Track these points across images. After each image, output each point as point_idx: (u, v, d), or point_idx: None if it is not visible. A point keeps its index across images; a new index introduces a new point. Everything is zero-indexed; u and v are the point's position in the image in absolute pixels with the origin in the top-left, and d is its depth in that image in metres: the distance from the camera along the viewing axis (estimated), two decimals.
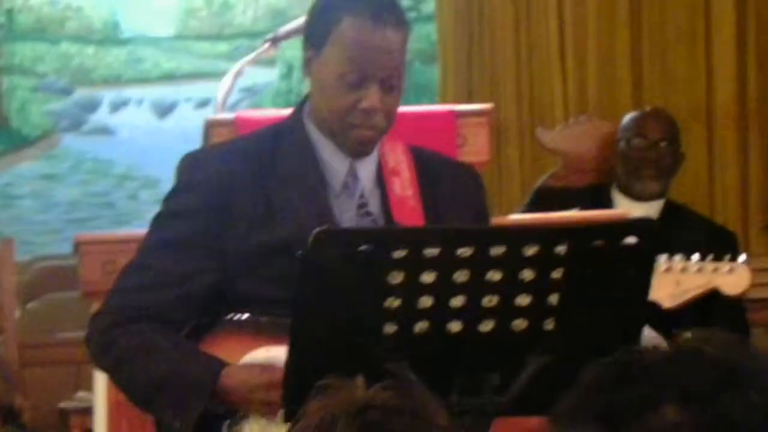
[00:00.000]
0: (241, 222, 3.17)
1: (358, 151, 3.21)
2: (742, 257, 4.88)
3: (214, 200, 3.19)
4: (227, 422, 3.15)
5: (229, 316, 3.23)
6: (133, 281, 3.27)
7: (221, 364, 3.13)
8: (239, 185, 3.19)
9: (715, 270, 4.76)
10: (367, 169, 3.25)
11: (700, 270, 4.74)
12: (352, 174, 3.23)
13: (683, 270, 4.70)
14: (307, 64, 3.24)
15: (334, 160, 3.22)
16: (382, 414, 2.14)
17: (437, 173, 3.32)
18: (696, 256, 4.74)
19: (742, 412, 1.49)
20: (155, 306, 3.19)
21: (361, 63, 3.15)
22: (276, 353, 3.10)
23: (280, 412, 3.00)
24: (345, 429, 2.11)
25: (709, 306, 4.87)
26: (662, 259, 4.60)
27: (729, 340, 1.63)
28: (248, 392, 3.09)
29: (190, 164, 3.31)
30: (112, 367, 3.40)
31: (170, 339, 3.20)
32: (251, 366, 3.13)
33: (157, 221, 3.31)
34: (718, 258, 5.13)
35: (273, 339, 3.13)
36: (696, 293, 4.71)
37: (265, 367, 3.09)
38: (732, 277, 4.78)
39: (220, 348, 3.19)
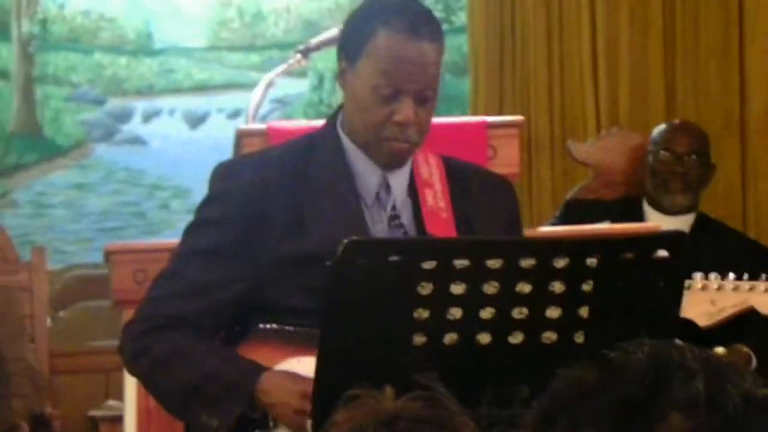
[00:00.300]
0: (273, 231, 3.18)
1: (390, 163, 3.22)
2: None
3: (247, 210, 3.21)
4: (257, 431, 3.17)
5: (260, 326, 3.25)
6: (165, 289, 3.29)
7: (260, 367, 3.14)
8: (272, 195, 3.20)
9: (752, 289, 4.73)
10: (399, 180, 3.26)
11: (736, 288, 4.71)
12: (385, 185, 3.24)
13: (719, 288, 4.66)
14: (342, 75, 3.25)
15: (366, 172, 3.24)
16: (410, 425, 2.14)
17: (470, 184, 3.33)
18: (732, 275, 4.72)
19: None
20: (188, 314, 3.21)
21: (395, 76, 3.15)
22: (306, 363, 3.11)
23: (309, 423, 3.02)
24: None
25: (742, 323, 4.85)
26: (697, 277, 4.58)
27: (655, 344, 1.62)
28: (284, 397, 3.10)
29: (223, 174, 3.32)
30: (145, 374, 3.42)
31: (205, 344, 3.22)
32: (289, 373, 3.14)
33: (190, 230, 3.33)
34: (751, 273, 5.11)
35: (303, 349, 3.14)
36: (732, 312, 4.68)
37: (302, 377, 3.10)
38: None
39: (251, 357, 3.20)
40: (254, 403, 3.13)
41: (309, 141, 3.34)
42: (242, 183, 3.25)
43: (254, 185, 3.22)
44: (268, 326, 3.23)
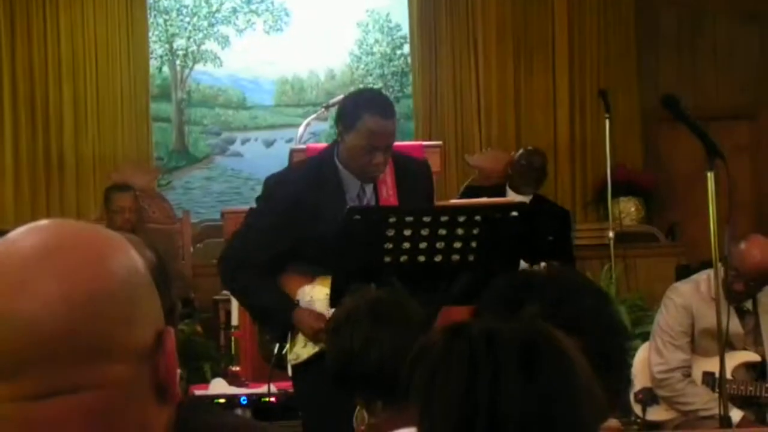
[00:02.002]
0: (299, 220, 3.03)
1: (368, 181, 3.11)
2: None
3: (283, 207, 3.05)
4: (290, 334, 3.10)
5: (292, 266, 3.14)
6: (241, 243, 3.15)
7: (294, 304, 3.06)
8: (297, 199, 3.04)
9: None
10: (368, 185, 3.15)
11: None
12: (362, 190, 3.12)
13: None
14: (339, 135, 3.08)
15: (351, 184, 3.10)
16: (384, 304, 2.14)
17: (405, 168, 3.19)
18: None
19: (580, 313, 1.39)
20: (253, 259, 3.08)
21: (373, 141, 3.00)
22: (316, 289, 3.05)
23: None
24: (364, 310, 2.12)
25: None
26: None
27: (563, 270, 1.54)
28: (306, 322, 3.02)
29: (270, 183, 3.16)
30: (233, 293, 3.35)
31: (263, 281, 3.09)
32: (309, 309, 3.04)
33: (253, 212, 3.19)
34: (559, 225, 5.11)
35: (312, 280, 3.08)
36: None
37: (317, 312, 3.02)
38: None
39: (287, 281, 3.11)
40: (289, 325, 3.05)
41: (318, 165, 3.13)
42: (280, 192, 3.06)
43: (288, 193, 3.05)
44: (296, 267, 3.13)
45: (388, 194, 3.14)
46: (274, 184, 3.15)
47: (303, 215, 3.04)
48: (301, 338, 3.07)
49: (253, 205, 3.23)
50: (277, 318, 3.07)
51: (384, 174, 3.12)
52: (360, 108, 3.03)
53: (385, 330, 2.07)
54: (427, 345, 1.08)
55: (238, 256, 3.13)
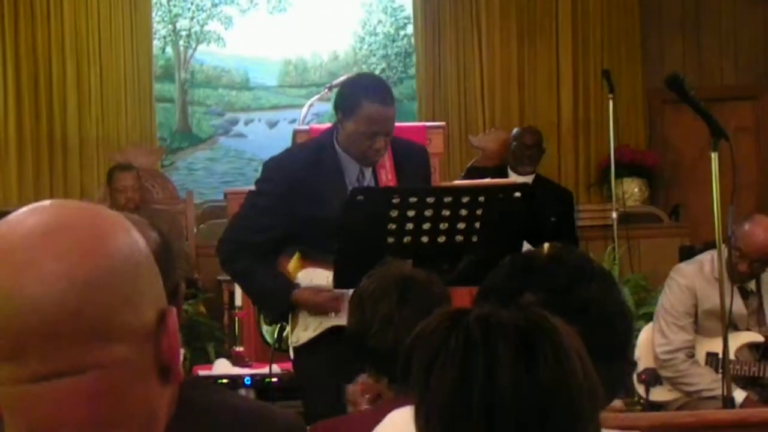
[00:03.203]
0: (298, 203, 3.03)
1: (368, 166, 3.10)
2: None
3: (284, 188, 3.04)
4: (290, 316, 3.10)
5: (292, 249, 3.14)
6: (240, 226, 3.15)
7: (293, 285, 3.06)
8: (297, 181, 3.04)
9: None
10: (368, 169, 3.14)
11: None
12: (361, 174, 3.12)
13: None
14: (339, 121, 3.07)
15: (350, 167, 3.09)
16: (412, 282, 2.12)
17: (403, 153, 3.19)
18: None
19: (587, 298, 1.35)
20: (252, 242, 3.08)
21: (373, 128, 2.99)
22: (318, 272, 3.05)
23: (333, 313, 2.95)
24: (392, 287, 2.10)
25: None
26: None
27: (576, 251, 1.47)
28: (308, 299, 3.03)
29: (270, 166, 3.15)
30: (231, 276, 3.34)
31: (262, 265, 3.08)
32: (309, 287, 3.06)
33: (252, 194, 3.16)
34: (564, 203, 5.06)
35: (315, 263, 3.07)
36: None
37: (318, 287, 3.03)
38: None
39: (286, 265, 3.12)
40: (289, 305, 3.05)
41: (317, 148, 3.11)
42: (280, 174, 3.06)
43: (287, 176, 3.05)
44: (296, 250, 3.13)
45: (388, 178, 3.13)
46: (273, 166, 3.12)
47: (302, 198, 3.03)
48: (301, 321, 3.06)
49: (253, 187, 3.20)
50: (277, 299, 3.06)
51: (383, 158, 3.10)
52: (359, 95, 3.00)
53: (406, 311, 2.05)
54: (423, 332, 1.06)
55: (237, 238, 3.12)
